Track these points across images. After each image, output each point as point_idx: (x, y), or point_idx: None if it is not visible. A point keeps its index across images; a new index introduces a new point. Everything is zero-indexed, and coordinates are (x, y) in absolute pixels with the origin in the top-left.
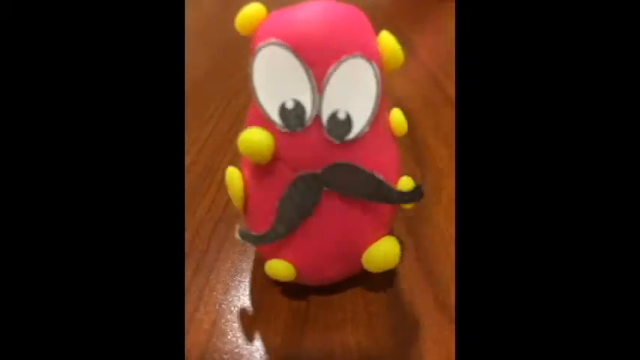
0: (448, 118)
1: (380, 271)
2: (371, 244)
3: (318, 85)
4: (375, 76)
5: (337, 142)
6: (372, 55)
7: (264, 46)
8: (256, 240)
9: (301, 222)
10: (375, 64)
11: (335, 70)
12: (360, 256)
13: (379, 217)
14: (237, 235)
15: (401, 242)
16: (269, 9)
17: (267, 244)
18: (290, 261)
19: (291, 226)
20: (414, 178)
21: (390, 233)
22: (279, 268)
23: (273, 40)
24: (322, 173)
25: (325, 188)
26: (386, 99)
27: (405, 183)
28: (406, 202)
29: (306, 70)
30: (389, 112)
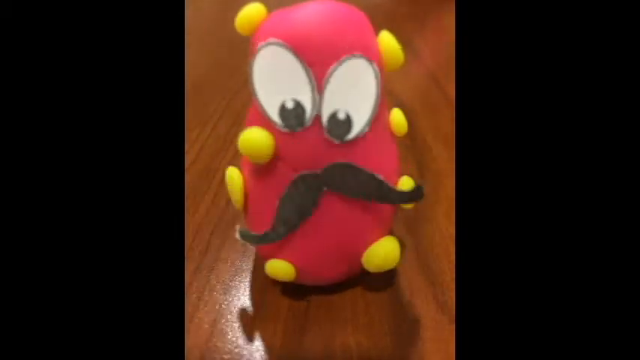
0: (448, 118)
1: (379, 270)
2: (371, 244)
3: (318, 85)
4: (375, 77)
5: (337, 142)
6: (372, 55)
7: (264, 46)
8: (256, 240)
9: (301, 222)
10: (375, 65)
11: (335, 70)
12: (359, 257)
13: (379, 217)
14: (237, 236)
15: (401, 242)
16: (269, 9)
17: (267, 244)
18: (290, 261)
19: (290, 226)
20: (412, 178)
21: (390, 233)
22: (279, 268)
23: (272, 40)
24: (322, 173)
25: (325, 188)
26: (386, 99)
27: (405, 183)
28: (406, 202)
29: (306, 70)
30: (389, 111)
